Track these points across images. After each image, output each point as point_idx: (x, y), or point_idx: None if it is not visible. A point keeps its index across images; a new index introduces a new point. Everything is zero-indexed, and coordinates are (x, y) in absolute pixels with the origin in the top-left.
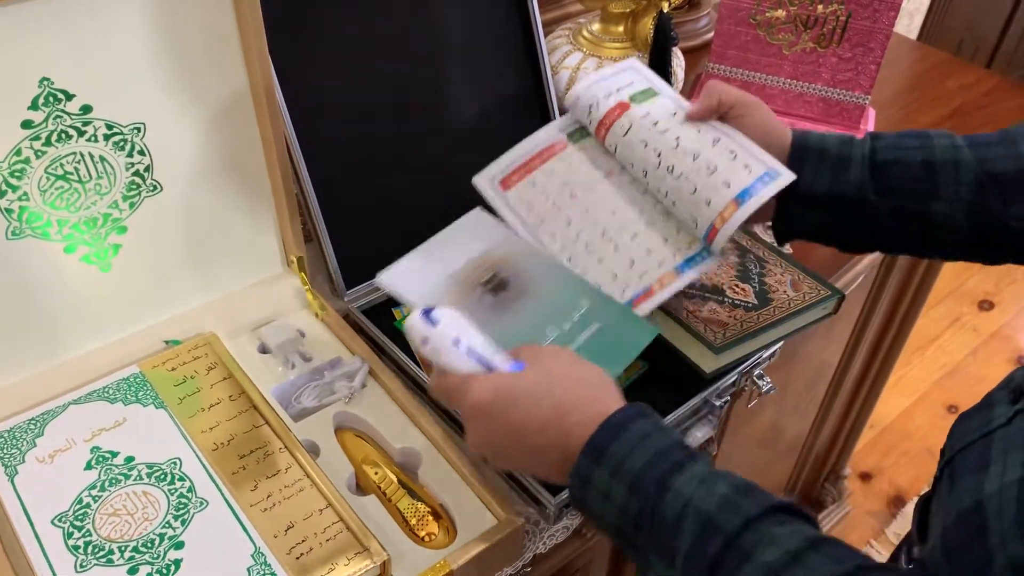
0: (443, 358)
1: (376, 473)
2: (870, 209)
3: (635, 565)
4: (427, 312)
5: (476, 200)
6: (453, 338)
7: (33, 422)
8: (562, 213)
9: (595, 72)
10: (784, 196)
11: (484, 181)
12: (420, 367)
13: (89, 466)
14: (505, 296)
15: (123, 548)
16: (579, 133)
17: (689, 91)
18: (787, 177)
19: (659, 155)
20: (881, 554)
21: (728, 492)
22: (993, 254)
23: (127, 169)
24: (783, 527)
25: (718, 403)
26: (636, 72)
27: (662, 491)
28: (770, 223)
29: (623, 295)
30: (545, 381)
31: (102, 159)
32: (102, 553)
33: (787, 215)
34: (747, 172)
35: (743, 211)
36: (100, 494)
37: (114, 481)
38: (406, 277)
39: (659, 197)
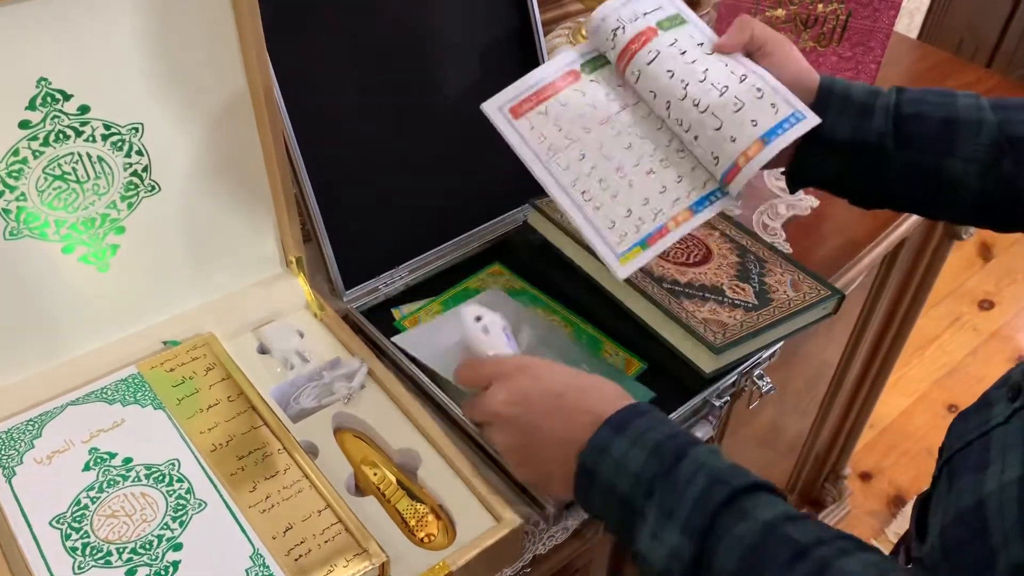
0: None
1: (375, 474)
2: (887, 160)
3: (623, 535)
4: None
5: (476, 200)
6: (502, 326)
7: (31, 423)
8: (575, 146)
9: None
10: (804, 141)
11: (493, 108)
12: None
13: (87, 467)
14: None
15: (121, 550)
16: (594, 62)
17: None
18: (812, 120)
19: (685, 87)
20: None
21: (733, 463)
22: (1002, 220)
23: (125, 169)
24: (773, 497)
25: (718, 403)
26: None
27: (680, 457)
28: (782, 169)
29: (637, 232)
30: (587, 379)
31: (100, 159)
32: (100, 555)
33: (805, 161)
34: (773, 112)
35: (768, 151)
36: (98, 495)
37: (112, 482)
38: (419, 340)
39: (678, 131)
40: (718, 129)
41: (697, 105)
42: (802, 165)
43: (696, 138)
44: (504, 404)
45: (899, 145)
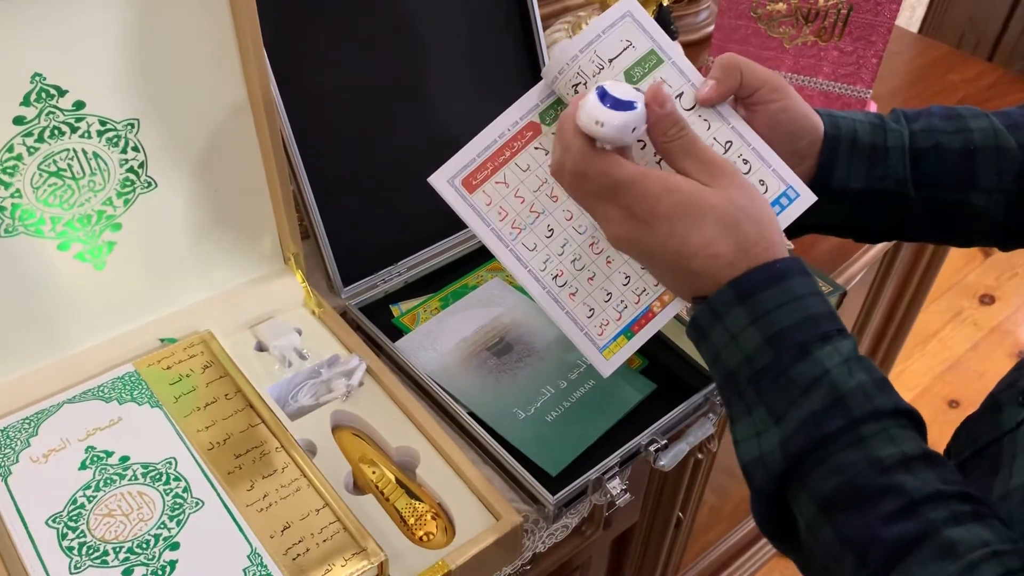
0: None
1: (374, 472)
2: (905, 202)
3: (728, 410)
4: (608, 97)
5: None
6: (632, 127)
7: (27, 421)
8: (542, 220)
9: (583, 30)
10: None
11: (442, 182)
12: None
13: (84, 466)
14: (508, 358)
15: (118, 549)
16: (555, 109)
17: None
18: (807, 198)
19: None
20: None
21: (866, 380)
22: None
23: (121, 166)
24: (904, 431)
25: (719, 400)
26: (634, 25)
27: (802, 355)
28: None
29: (620, 319)
30: (731, 215)
31: (96, 155)
32: (97, 554)
33: (811, 212)
34: (762, 191)
35: None
36: (95, 494)
37: (109, 481)
38: (422, 341)
39: None
40: None
41: None
42: (807, 218)
43: None
44: (618, 238)
45: (918, 186)
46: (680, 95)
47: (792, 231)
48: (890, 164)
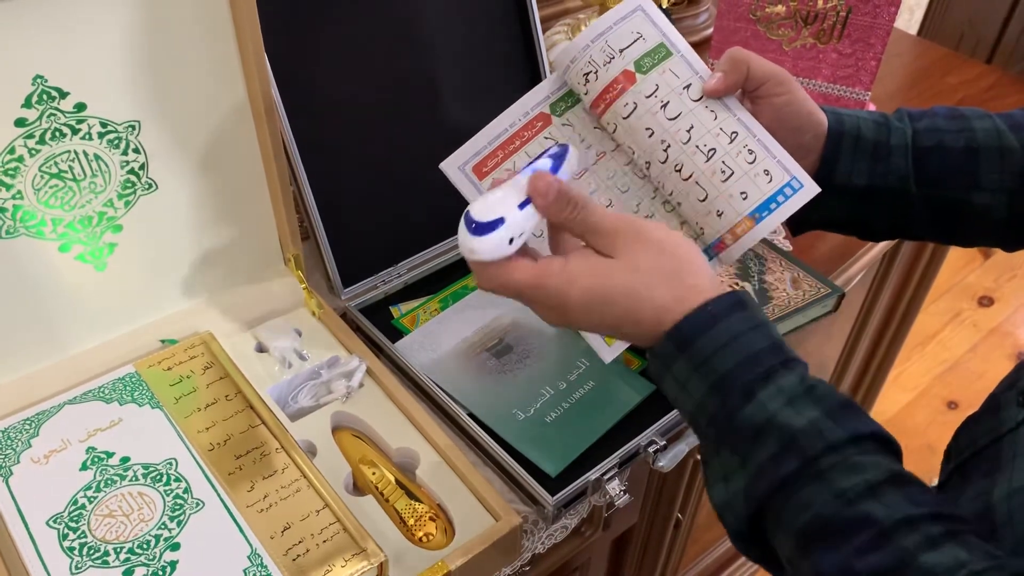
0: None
1: (373, 473)
2: (908, 199)
3: (701, 452)
4: (475, 225)
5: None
6: (523, 215)
7: (28, 422)
8: None
9: (594, 22)
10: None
11: (453, 168)
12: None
13: (84, 467)
14: (507, 359)
15: (119, 549)
16: (565, 100)
17: None
18: (811, 190)
19: (667, 149)
20: None
21: (816, 417)
22: None
23: (122, 167)
24: (866, 456)
25: None
26: (645, 19)
27: (747, 398)
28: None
29: None
30: (639, 281)
31: (96, 157)
32: (97, 555)
33: (815, 208)
34: (767, 180)
35: (759, 230)
36: (95, 495)
37: (109, 482)
38: (422, 342)
39: (661, 192)
40: (703, 200)
41: (680, 171)
42: (811, 212)
43: (680, 205)
44: (555, 323)
45: (921, 184)
46: (688, 86)
47: (796, 227)
48: (893, 161)
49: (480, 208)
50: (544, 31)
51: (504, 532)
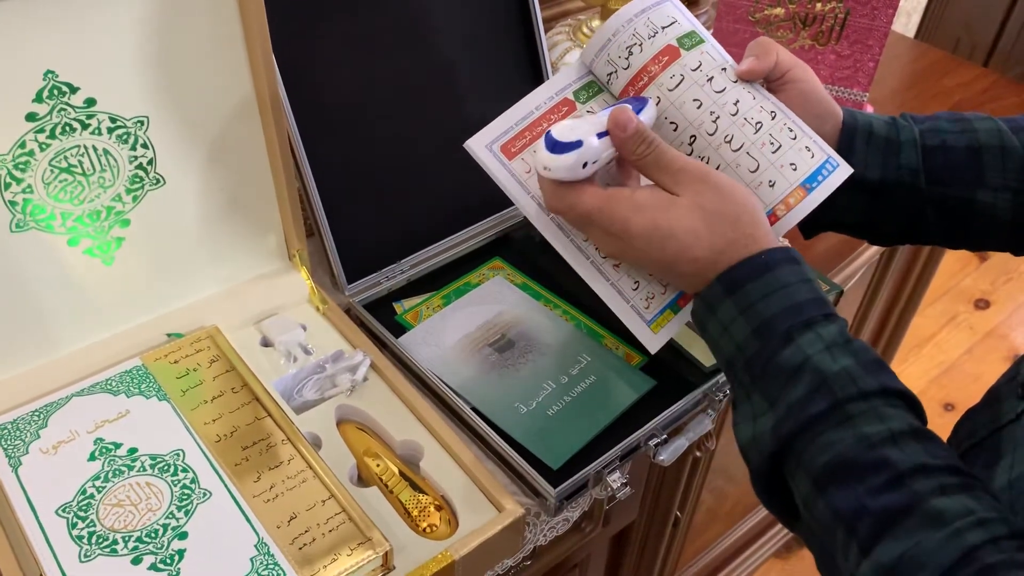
0: (603, 167)
1: (378, 465)
2: (919, 197)
3: (732, 394)
4: (554, 143)
5: (477, 196)
6: (598, 142)
7: (36, 413)
8: None
9: (629, 4)
10: None
11: (479, 145)
12: None
13: (92, 457)
14: (510, 354)
15: (127, 538)
16: (588, 89)
17: None
18: (846, 169)
19: (715, 120)
20: None
21: (850, 365)
22: None
23: (130, 162)
24: (893, 409)
25: (718, 397)
26: (675, 6)
27: (786, 343)
28: None
29: (665, 292)
30: (701, 220)
31: (106, 152)
32: (106, 543)
33: (831, 206)
34: (809, 156)
35: (811, 199)
36: (104, 485)
37: (117, 472)
38: (424, 337)
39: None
40: (754, 171)
41: (730, 142)
42: (827, 210)
43: None
44: (610, 254)
45: (930, 181)
46: (724, 68)
47: (807, 229)
48: (904, 156)
49: (561, 129)
50: (545, 32)
51: (507, 522)
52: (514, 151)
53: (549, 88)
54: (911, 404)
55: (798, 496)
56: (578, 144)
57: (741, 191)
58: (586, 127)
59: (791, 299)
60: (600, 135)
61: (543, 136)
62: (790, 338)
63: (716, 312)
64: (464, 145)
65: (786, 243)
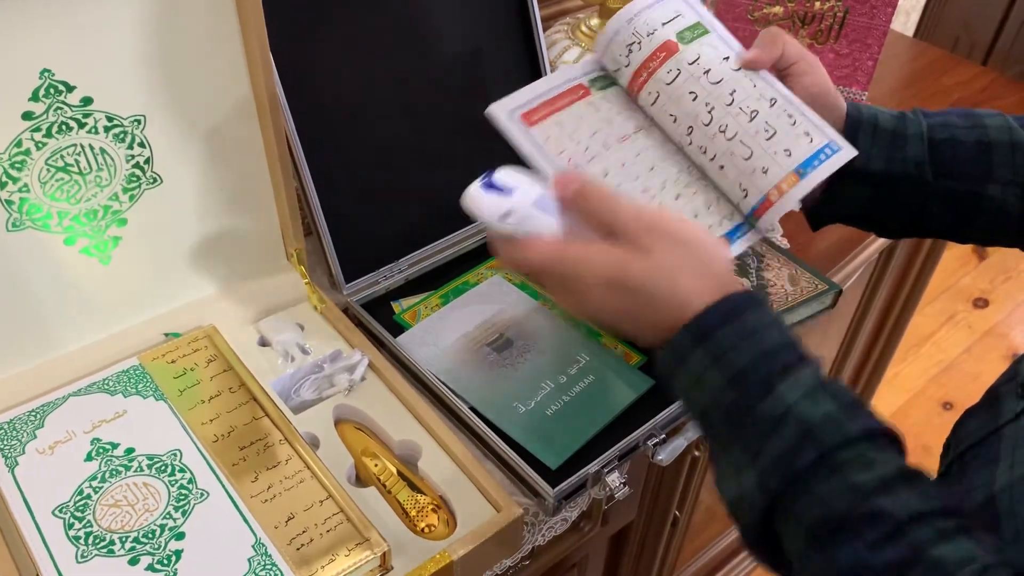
0: (530, 225)
1: (376, 465)
2: (925, 190)
3: (709, 449)
4: (490, 183)
5: None
6: (533, 200)
7: (33, 414)
8: (597, 162)
9: (632, 2)
10: (835, 175)
11: (503, 112)
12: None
13: (89, 457)
14: (508, 354)
15: (124, 539)
16: (602, 81)
17: None
18: (848, 152)
19: (710, 111)
20: None
21: (832, 410)
22: None
23: (127, 161)
24: (880, 453)
25: None
26: (682, 2)
27: (764, 392)
28: (800, 207)
29: None
30: (662, 274)
31: (102, 151)
32: (103, 544)
33: (836, 196)
34: (808, 141)
35: (804, 184)
36: (101, 485)
37: (114, 472)
38: (423, 336)
39: (701, 160)
40: (748, 159)
41: (724, 131)
42: (832, 200)
43: (722, 168)
44: (573, 310)
45: (937, 174)
46: (727, 58)
47: (814, 221)
48: (910, 149)
49: (505, 174)
50: (544, 30)
51: (506, 523)
52: (535, 120)
53: (565, 73)
54: (893, 441)
55: (791, 550)
56: (508, 192)
57: (698, 236)
58: (530, 188)
59: (764, 345)
60: (539, 202)
61: (487, 171)
62: (769, 386)
63: (686, 362)
64: (486, 112)
65: (746, 284)
